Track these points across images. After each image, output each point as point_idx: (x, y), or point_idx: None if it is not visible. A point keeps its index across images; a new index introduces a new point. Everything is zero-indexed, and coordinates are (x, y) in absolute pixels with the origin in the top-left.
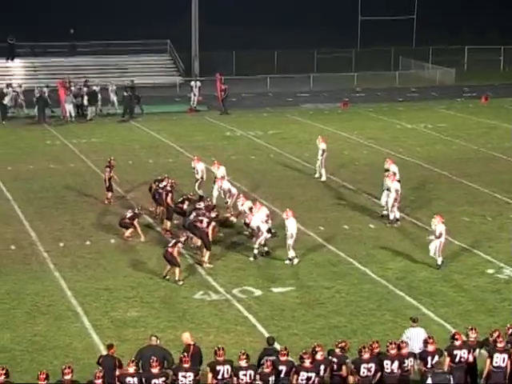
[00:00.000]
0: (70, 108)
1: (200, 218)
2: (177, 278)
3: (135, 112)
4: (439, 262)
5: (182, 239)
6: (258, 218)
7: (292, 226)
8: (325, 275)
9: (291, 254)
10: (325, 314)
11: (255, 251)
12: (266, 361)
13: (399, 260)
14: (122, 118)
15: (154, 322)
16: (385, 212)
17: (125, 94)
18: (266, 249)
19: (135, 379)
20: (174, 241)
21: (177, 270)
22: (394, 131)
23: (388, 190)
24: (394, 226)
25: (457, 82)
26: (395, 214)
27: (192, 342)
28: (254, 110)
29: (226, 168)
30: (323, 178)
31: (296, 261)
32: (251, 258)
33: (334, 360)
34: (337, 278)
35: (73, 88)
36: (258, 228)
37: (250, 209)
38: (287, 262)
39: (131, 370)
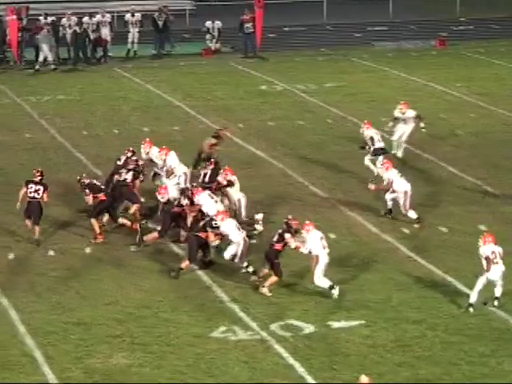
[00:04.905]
0: (45, 50)
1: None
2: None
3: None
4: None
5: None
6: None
7: (315, 243)
8: (411, 302)
9: (325, 283)
10: (410, 361)
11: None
12: None
13: None
14: (72, 65)
15: (152, 373)
16: None
17: (76, 30)
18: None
19: None
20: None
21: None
22: None
23: None
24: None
25: None
26: (409, 213)
27: None
28: (303, 52)
29: (258, 139)
30: (399, 154)
31: (336, 292)
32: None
33: None
34: (429, 306)
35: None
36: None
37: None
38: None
39: None
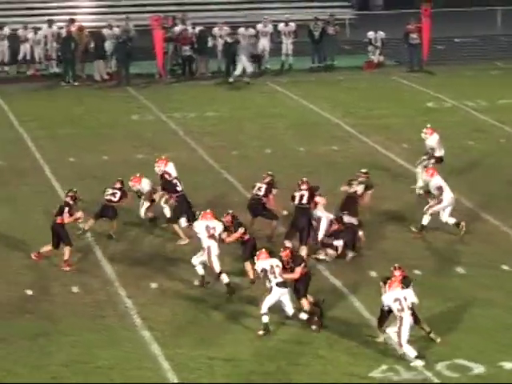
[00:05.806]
0: (244, 62)
1: None
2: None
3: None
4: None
5: None
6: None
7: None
8: None
9: (410, 352)
10: None
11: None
12: None
13: None
14: (226, 77)
15: None
16: None
17: (227, 40)
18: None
19: None
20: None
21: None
22: None
23: None
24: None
25: None
26: (425, 218)
27: None
28: (474, 66)
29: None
30: None
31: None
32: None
33: None
34: None
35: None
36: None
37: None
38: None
39: None
